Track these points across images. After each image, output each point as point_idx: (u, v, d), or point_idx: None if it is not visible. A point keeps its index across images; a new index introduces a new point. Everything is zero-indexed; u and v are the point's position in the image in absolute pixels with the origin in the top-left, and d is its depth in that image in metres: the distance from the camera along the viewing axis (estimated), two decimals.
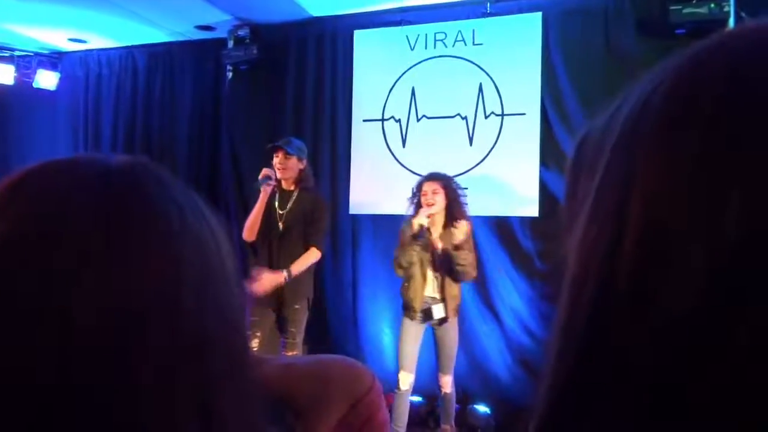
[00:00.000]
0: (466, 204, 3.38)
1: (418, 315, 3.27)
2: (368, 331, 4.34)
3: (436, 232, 3.30)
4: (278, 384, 0.52)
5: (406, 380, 3.29)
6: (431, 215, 3.25)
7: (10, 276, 0.35)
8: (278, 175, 3.33)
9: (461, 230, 3.21)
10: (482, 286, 4.05)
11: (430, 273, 3.30)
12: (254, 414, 0.43)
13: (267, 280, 3.24)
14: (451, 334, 3.32)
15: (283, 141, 3.40)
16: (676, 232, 0.28)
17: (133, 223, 0.38)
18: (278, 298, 3.33)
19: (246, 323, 0.45)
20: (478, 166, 4.13)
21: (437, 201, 3.24)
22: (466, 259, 3.22)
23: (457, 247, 3.21)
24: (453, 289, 3.28)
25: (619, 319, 0.29)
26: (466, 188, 4.11)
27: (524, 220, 3.98)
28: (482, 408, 3.88)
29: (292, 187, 3.41)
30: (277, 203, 3.39)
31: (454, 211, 3.27)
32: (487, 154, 4.12)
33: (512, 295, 3.99)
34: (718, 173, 0.27)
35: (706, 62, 0.31)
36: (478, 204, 4.07)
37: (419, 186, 3.34)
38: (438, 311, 3.25)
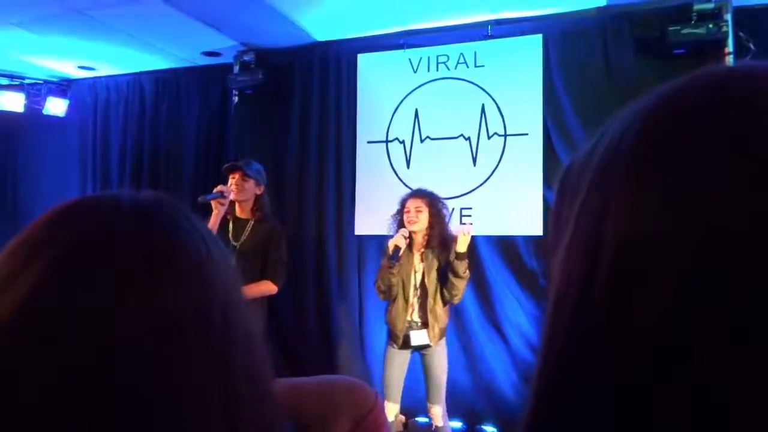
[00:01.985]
0: (449, 223, 3.27)
1: (400, 341, 3.10)
2: (375, 351, 4.33)
3: (420, 253, 3.15)
4: (285, 403, 0.54)
5: (392, 411, 3.10)
6: (412, 234, 3.09)
7: (61, 290, 0.38)
8: (232, 197, 3.03)
9: (464, 241, 3.00)
10: (488, 306, 4.05)
11: (412, 296, 3.12)
12: (273, 428, 0.45)
13: None
14: (437, 361, 3.10)
15: (243, 161, 3.23)
16: (643, 262, 0.30)
17: (168, 251, 0.42)
18: None
19: (263, 345, 0.48)
20: (482, 186, 4.16)
21: (420, 219, 3.08)
22: (465, 273, 3.03)
23: (458, 256, 3.00)
24: (438, 312, 3.08)
25: (593, 338, 0.31)
26: (470, 208, 4.15)
27: (528, 239, 3.99)
28: (490, 429, 3.85)
29: (248, 216, 3.19)
30: (231, 234, 3.14)
31: (438, 231, 3.09)
32: (491, 174, 4.15)
33: (518, 313, 3.99)
34: (682, 210, 0.29)
35: (672, 104, 0.33)
36: (483, 223, 4.09)
37: (403, 202, 3.18)
38: (417, 338, 3.06)
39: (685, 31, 3.59)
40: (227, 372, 0.41)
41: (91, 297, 0.38)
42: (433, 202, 3.17)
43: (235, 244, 3.12)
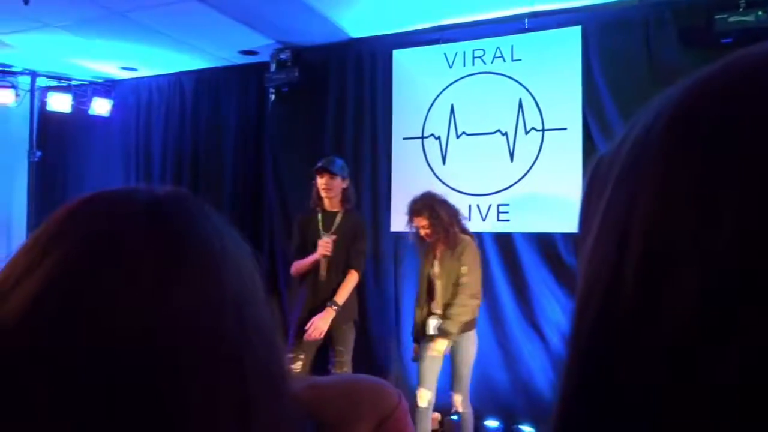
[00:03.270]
0: (464, 221, 3.47)
1: (420, 332, 3.36)
2: (412, 348, 4.33)
3: (439, 251, 3.35)
4: (306, 402, 0.54)
5: (425, 397, 3.27)
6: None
7: (67, 290, 0.38)
8: (322, 195, 3.39)
9: (465, 271, 3.27)
10: (526, 304, 4.00)
11: (437, 287, 3.34)
12: (287, 429, 0.45)
13: (321, 322, 3.30)
14: (462, 352, 3.29)
15: (325, 161, 3.44)
16: (671, 257, 0.29)
17: (180, 247, 0.42)
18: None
19: (281, 344, 0.48)
20: (520, 182, 4.09)
21: (430, 232, 3.32)
22: (465, 307, 3.25)
23: (458, 283, 3.26)
24: (457, 305, 3.25)
25: (619, 337, 0.30)
26: (507, 204, 4.10)
27: (567, 236, 3.92)
28: (527, 428, 3.80)
29: (337, 208, 3.46)
30: (321, 226, 3.43)
31: (443, 235, 3.29)
32: (529, 170, 4.08)
33: (556, 311, 3.92)
34: (713, 202, 0.28)
35: (702, 90, 0.31)
36: (520, 220, 4.03)
37: (410, 222, 3.43)
38: (431, 326, 3.30)
39: (732, 19, 3.45)
40: (240, 372, 0.41)
41: (97, 296, 0.38)
42: (430, 213, 3.33)
43: (325, 234, 3.42)
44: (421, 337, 3.37)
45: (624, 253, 0.31)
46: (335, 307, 3.32)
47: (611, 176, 0.34)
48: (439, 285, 3.33)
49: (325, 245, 3.35)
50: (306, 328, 3.32)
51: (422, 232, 3.35)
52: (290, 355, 3.36)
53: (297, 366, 3.32)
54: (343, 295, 3.36)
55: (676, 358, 0.28)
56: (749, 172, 0.27)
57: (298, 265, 3.46)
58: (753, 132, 0.28)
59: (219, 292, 0.41)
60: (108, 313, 0.37)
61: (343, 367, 3.39)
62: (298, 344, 3.34)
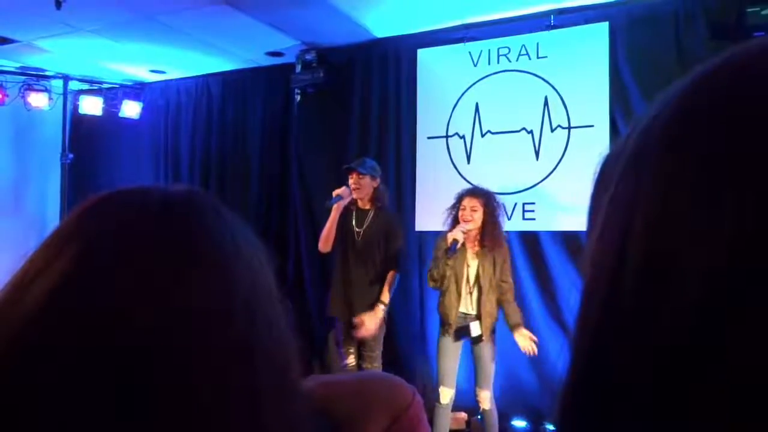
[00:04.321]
0: (504, 223, 3.37)
1: (452, 331, 3.28)
2: (436, 347, 4.31)
3: (473, 249, 3.29)
4: (319, 399, 0.54)
5: (447, 395, 3.30)
6: (466, 231, 3.22)
7: (81, 287, 0.39)
8: (353, 195, 3.45)
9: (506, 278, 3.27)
10: (552, 302, 3.96)
11: (465, 289, 3.28)
12: (298, 425, 0.45)
13: (370, 322, 3.35)
14: (486, 351, 3.27)
15: (356, 162, 3.53)
16: (674, 252, 0.28)
17: (192, 246, 0.42)
18: (354, 312, 3.43)
19: (294, 341, 0.48)
20: (545, 180, 4.05)
21: (475, 218, 3.21)
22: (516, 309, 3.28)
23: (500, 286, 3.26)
24: (489, 306, 3.24)
25: (621, 334, 0.30)
26: (533, 203, 4.06)
27: None
28: (552, 427, 3.77)
29: (368, 206, 3.52)
30: (354, 222, 3.50)
31: (490, 230, 3.22)
32: (555, 168, 4.04)
33: None
34: (715, 197, 0.28)
35: (704, 85, 0.31)
36: (546, 219, 3.99)
37: (459, 199, 3.31)
38: (475, 329, 3.24)
39: (765, 12, 3.37)
40: (250, 369, 0.41)
41: (110, 294, 0.39)
42: (489, 202, 3.27)
43: (358, 230, 3.50)
44: (463, 336, 3.31)
45: (626, 251, 0.31)
46: (383, 307, 3.40)
47: (616, 173, 0.34)
48: (484, 285, 3.24)
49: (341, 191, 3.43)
50: (354, 325, 3.39)
51: (469, 214, 3.20)
52: (342, 350, 3.48)
53: (351, 360, 3.43)
54: (387, 294, 3.43)
55: (676, 356, 0.27)
56: (749, 171, 0.27)
57: (324, 232, 3.52)
58: (751, 130, 0.28)
59: (231, 290, 0.42)
60: (120, 311, 0.38)
61: (374, 362, 3.45)
62: (347, 340, 3.45)
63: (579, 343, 0.33)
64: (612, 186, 0.34)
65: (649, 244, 0.30)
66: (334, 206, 3.43)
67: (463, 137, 4.34)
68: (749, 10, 3.40)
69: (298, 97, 4.92)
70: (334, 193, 3.45)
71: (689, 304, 0.27)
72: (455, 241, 3.18)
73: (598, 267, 0.33)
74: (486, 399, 3.29)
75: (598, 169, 0.40)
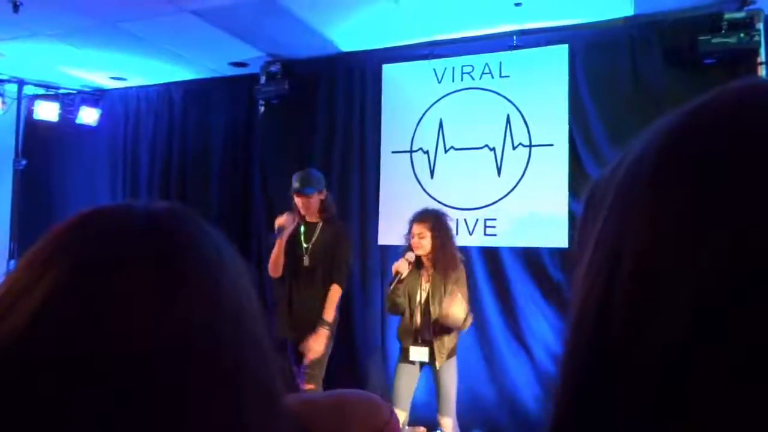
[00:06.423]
0: (455, 243, 3.32)
1: (407, 355, 3.24)
2: (396, 362, 4.32)
3: (427, 273, 3.25)
4: (300, 417, 0.54)
5: (400, 417, 3.19)
6: (412, 262, 3.22)
7: (65, 309, 0.39)
8: (302, 212, 3.40)
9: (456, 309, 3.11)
10: (511, 318, 4.01)
11: (417, 314, 3.23)
12: None
13: (316, 344, 3.24)
14: (446, 377, 3.21)
15: (300, 182, 3.38)
16: (662, 279, 0.30)
17: (178, 265, 0.42)
18: (302, 332, 3.31)
19: (276, 358, 0.48)
20: (507, 196, 4.13)
21: (423, 245, 3.18)
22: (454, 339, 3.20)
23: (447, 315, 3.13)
24: (443, 336, 3.18)
25: (610, 358, 0.31)
26: (495, 219, 4.13)
27: (554, 251, 3.95)
28: None
29: (315, 219, 3.45)
30: (302, 237, 3.41)
31: (441, 255, 3.18)
32: (516, 185, 4.12)
33: (542, 326, 3.94)
34: (700, 232, 0.29)
35: (689, 124, 0.33)
36: (507, 235, 4.06)
37: (409, 225, 3.28)
38: (417, 354, 3.19)
39: (715, 40, 3.53)
40: (235, 383, 0.41)
41: (98, 312, 0.38)
42: (435, 225, 3.22)
43: (306, 245, 3.39)
44: (404, 359, 3.27)
45: (615, 276, 0.32)
46: (326, 327, 3.27)
47: (605, 202, 0.36)
48: (434, 310, 3.17)
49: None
50: (301, 350, 3.28)
51: (417, 241, 3.18)
52: (301, 370, 3.31)
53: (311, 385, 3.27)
54: (329, 312, 3.30)
55: (666, 377, 0.28)
56: (734, 205, 0.28)
57: (271, 260, 3.42)
58: (737, 167, 0.29)
59: (216, 308, 0.42)
60: (105, 335, 0.38)
61: (311, 381, 3.27)
62: (298, 360, 3.32)
63: (569, 365, 0.34)
64: (602, 216, 0.35)
65: (638, 270, 0.31)
66: (277, 241, 3.36)
67: (427, 152, 4.39)
68: (701, 38, 3.55)
69: (262, 108, 4.89)
70: (276, 224, 3.38)
71: (678, 326, 0.28)
72: (398, 272, 3.20)
73: (587, 293, 0.34)
74: (447, 426, 3.24)
75: (584, 198, 0.41)
